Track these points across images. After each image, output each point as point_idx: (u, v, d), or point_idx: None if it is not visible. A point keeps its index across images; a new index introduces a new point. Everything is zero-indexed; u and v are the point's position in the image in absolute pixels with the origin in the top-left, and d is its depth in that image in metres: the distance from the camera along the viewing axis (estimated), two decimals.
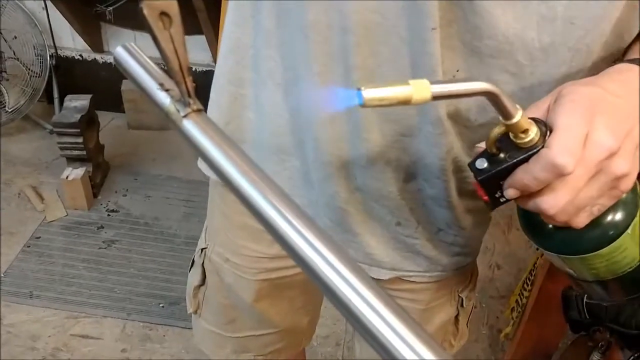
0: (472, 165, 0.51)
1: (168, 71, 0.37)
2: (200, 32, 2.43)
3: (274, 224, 0.31)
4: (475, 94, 0.44)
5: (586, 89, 0.47)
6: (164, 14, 0.34)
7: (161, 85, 0.38)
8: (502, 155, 0.49)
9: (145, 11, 0.33)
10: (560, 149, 0.45)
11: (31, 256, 2.11)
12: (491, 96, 0.45)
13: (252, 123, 0.73)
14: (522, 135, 0.47)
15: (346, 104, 0.40)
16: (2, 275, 2.02)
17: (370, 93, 0.39)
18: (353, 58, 0.59)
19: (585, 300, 1.12)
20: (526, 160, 0.47)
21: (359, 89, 0.39)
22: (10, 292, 1.97)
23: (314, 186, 0.72)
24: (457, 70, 0.58)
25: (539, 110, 0.49)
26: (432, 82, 0.41)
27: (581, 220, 0.49)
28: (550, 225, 0.53)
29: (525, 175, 0.47)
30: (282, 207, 0.31)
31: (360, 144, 0.65)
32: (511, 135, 0.47)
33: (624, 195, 0.50)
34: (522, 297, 1.57)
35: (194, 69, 2.71)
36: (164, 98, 0.38)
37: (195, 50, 2.64)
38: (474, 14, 0.54)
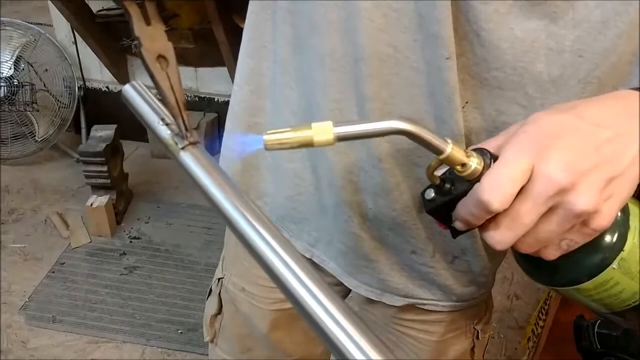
0: (422, 194, 0.50)
1: (166, 106, 0.41)
2: (222, 64, 2.50)
3: (257, 248, 0.34)
4: (387, 133, 0.43)
5: (552, 117, 0.45)
6: (161, 56, 0.38)
7: (162, 120, 0.42)
8: (447, 186, 0.48)
9: (144, 54, 0.37)
10: (488, 185, 0.43)
11: (55, 281, 2.16)
12: (409, 135, 0.43)
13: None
14: (460, 169, 0.45)
15: (251, 148, 0.42)
16: (27, 300, 2.07)
17: (270, 137, 0.41)
18: (366, 88, 0.59)
19: (596, 329, 1.11)
20: (467, 193, 0.46)
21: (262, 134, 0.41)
22: (35, 317, 2.01)
23: (328, 212, 0.73)
24: (467, 102, 0.58)
25: (508, 136, 0.47)
26: (336, 124, 0.42)
27: (550, 253, 0.47)
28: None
29: (464, 209, 0.46)
30: (264, 232, 0.34)
31: (374, 172, 0.65)
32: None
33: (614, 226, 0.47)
34: (537, 326, 1.56)
35: (216, 100, 2.78)
36: (164, 132, 0.41)
37: (218, 81, 2.71)
38: (481, 47, 0.54)
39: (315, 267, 0.80)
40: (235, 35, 2.23)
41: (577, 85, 0.55)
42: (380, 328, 0.86)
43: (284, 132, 0.41)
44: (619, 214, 0.47)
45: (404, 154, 0.63)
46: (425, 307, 0.78)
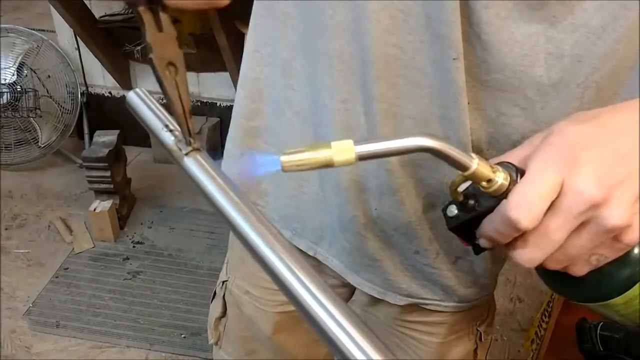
0: (444, 211, 0.49)
1: (172, 113, 0.41)
2: (224, 70, 2.51)
3: (260, 252, 0.34)
4: (411, 150, 0.42)
5: (578, 128, 0.43)
6: (170, 64, 0.38)
7: (166, 126, 0.42)
8: (471, 202, 0.47)
9: (154, 61, 0.38)
10: (516, 202, 0.42)
11: (59, 286, 2.16)
12: (433, 152, 0.42)
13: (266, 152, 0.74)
14: (486, 185, 0.44)
15: (268, 169, 0.40)
16: (31, 305, 2.08)
17: (288, 158, 0.39)
18: (373, 89, 0.59)
19: (599, 332, 1.12)
20: (492, 209, 0.44)
21: (279, 155, 0.39)
22: (39, 322, 2.02)
23: (332, 210, 0.73)
24: (468, 103, 0.58)
25: (532, 147, 0.46)
26: (357, 143, 0.40)
27: (579, 269, 0.46)
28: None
29: (490, 226, 0.45)
30: (268, 237, 0.34)
31: (380, 172, 0.65)
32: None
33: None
34: (540, 328, 1.56)
35: (219, 104, 2.79)
36: (168, 138, 0.42)
37: (221, 86, 2.72)
38: (483, 50, 0.54)
39: (318, 270, 0.81)
40: (237, 41, 2.24)
41: (576, 89, 0.55)
42: (384, 330, 0.87)
43: (302, 153, 0.40)
44: None
45: (409, 154, 0.63)
46: (428, 307, 0.78)
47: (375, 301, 0.81)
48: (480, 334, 0.86)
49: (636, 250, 0.46)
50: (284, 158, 0.40)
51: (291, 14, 0.64)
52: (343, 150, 0.40)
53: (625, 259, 0.46)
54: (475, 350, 0.88)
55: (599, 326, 1.13)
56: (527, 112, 0.57)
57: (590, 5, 0.51)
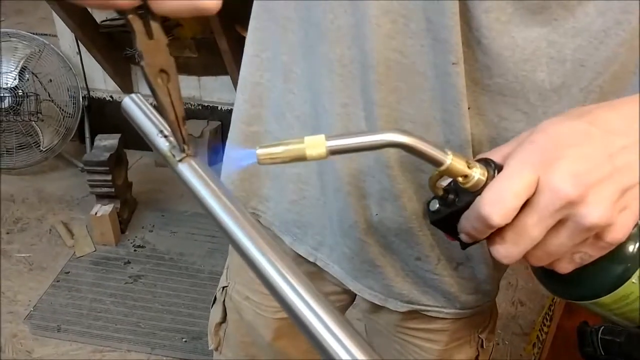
0: (427, 205, 0.49)
1: (165, 120, 0.41)
2: (225, 73, 2.52)
3: (251, 257, 0.34)
4: (383, 146, 0.42)
5: (563, 125, 0.43)
6: (162, 71, 0.38)
7: (161, 132, 0.42)
8: (452, 197, 0.47)
9: (145, 69, 0.38)
10: (489, 198, 0.42)
11: (60, 290, 2.16)
12: (405, 148, 0.42)
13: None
14: (463, 180, 0.44)
15: (246, 162, 0.42)
16: (32, 309, 2.08)
17: (263, 151, 0.41)
18: (374, 94, 0.59)
19: (600, 335, 1.11)
20: (470, 205, 0.44)
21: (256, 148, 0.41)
22: (40, 326, 2.02)
23: (333, 216, 0.73)
24: (469, 108, 0.58)
25: (517, 145, 0.45)
26: (329, 137, 0.41)
27: (564, 267, 0.45)
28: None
29: (466, 222, 0.45)
30: (259, 242, 0.34)
31: (382, 178, 0.65)
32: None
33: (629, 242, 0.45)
34: (542, 332, 1.56)
35: (220, 108, 2.79)
36: (162, 144, 0.42)
37: (222, 90, 2.73)
38: (483, 54, 0.54)
39: (318, 276, 0.81)
40: (238, 45, 2.24)
41: (579, 94, 0.55)
42: (385, 337, 0.87)
43: (277, 146, 0.41)
44: (638, 224, 0.45)
45: (411, 159, 0.63)
46: (429, 314, 0.78)
47: (376, 308, 0.81)
48: (482, 340, 0.86)
49: (624, 249, 0.46)
50: (259, 151, 0.41)
51: (291, 19, 0.64)
52: (315, 144, 0.41)
53: (612, 256, 0.45)
54: (477, 358, 0.87)
55: (600, 330, 1.13)
56: (528, 117, 0.56)
57: (592, 8, 0.51)
